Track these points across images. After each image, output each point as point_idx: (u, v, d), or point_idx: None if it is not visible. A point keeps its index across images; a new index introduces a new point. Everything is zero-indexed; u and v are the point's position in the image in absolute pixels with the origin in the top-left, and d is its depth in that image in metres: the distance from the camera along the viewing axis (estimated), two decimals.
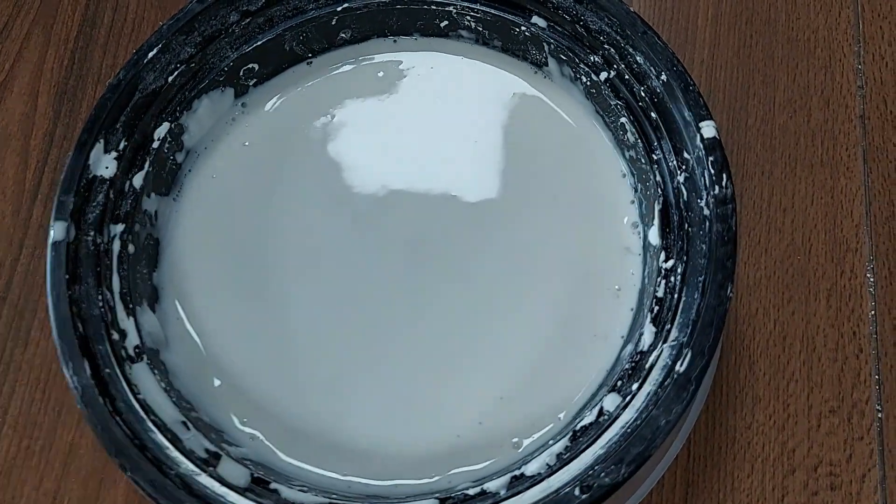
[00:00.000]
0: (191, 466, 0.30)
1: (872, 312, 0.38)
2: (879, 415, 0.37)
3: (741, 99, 0.42)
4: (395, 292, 0.35)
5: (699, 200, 0.32)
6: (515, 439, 0.33)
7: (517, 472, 0.30)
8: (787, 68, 0.43)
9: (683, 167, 0.33)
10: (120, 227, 0.33)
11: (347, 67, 0.39)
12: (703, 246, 0.31)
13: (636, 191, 0.35)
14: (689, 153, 0.33)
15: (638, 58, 0.34)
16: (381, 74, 0.39)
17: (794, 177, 0.41)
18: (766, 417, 0.37)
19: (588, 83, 0.36)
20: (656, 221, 0.33)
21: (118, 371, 0.31)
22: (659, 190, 0.33)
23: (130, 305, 0.33)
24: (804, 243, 0.39)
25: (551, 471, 0.29)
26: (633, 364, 0.31)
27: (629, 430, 0.29)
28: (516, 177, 0.37)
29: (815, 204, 0.40)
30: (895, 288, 0.39)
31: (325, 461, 0.33)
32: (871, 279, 0.39)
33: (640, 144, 0.34)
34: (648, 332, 0.31)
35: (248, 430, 0.33)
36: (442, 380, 0.34)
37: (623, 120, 0.35)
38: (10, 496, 0.37)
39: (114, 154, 0.34)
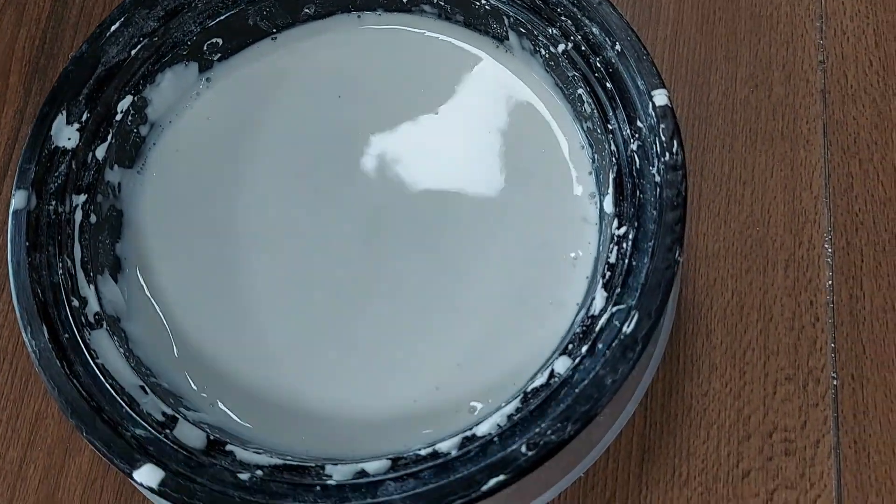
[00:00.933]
0: (147, 429, 0.30)
1: (830, 282, 0.39)
2: (835, 382, 0.37)
3: (703, 74, 0.43)
4: (355, 262, 0.35)
5: (651, 168, 0.32)
6: (472, 404, 0.33)
7: (468, 434, 0.30)
8: (750, 44, 0.43)
9: (637, 136, 0.33)
10: (82, 198, 0.34)
11: (312, 43, 0.39)
12: (654, 212, 0.32)
13: (593, 161, 0.36)
14: (642, 122, 0.33)
15: (594, 29, 0.35)
16: (345, 49, 0.39)
17: (754, 150, 0.41)
18: (722, 385, 0.37)
19: (547, 56, 0.36)
20: (611, 190, 0.34)
21: (77, 336, 0.31)
22: (614, 159, 0.34)
23: (91, 274, 0.33)
24: (763, 215, 0.40)
25: (501, 431, 0.30)
26: (585, 328, 0.31)
27: (576, 391, 0.30)
28: (476, 149, 0.37)
29: (774, 176, 0.41)
30: (853, 258, 0.39)
31: (283, 427, 0.33)
32: (829, 250, 0.39)
33: (597, 115, 0.34)
34: (600, 296, 0.32)
35: (207, 397, 0.34)
36: (400, 347, 0.34)
37: (580, 91, 0.35)
38: None
39: (76, 126, 0.34)
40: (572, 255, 0.35)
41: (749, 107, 0.42)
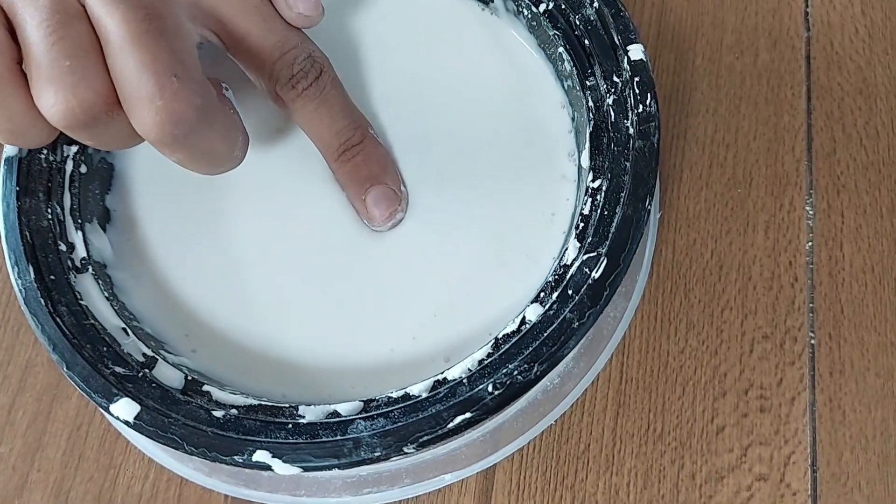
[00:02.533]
0: (127, 367, 0.31)
1: (810, 244, 0.39)
2: (812, 341, 0.38)
3: (689, 40, 0.43)
4: (337, 216, 0.36)
5: (625, 121, 0.33)
6: (447, 355, 0.34)
7: (440, 378, 0.31)
8: (736, 11, 0.44)
9: (612, 90, 0.34)
10: (74, 149, 0.35)
11: None
12: (627, 163, 0.32)
13: (573, 120, 0.36)
14: (618, 76, 0.34)
15: None
16: (339, 11, 0.40)
17: (738, 114, 0.41)
18: (700, 343, 0.38)
19: (529, 16, 0.37)
20: (587, 146, 0.34)
21: (63, 278, 0.32)
22: (591, 115, 0.34)
23: (80, 221, 0.34)
24: (745, 177, 0.40)
25: (471, 374, 0.31)
26: (557, 277, 0.32)
27: (544, 334, 0.30)
28: (461, 109, 0.38)
29: (757, 140, 0.41)
30: (833, 220, 0.39)
31: (262, 374, 0.34)
32: (810, 212, 0.40)
33: (576, 72, 0.35)
34: (572, 247, 0.32)
35: (189, 343, 0.34)
36: (378, 298, 0.35)
37: (560, 49, 0.36)
38: None
39: None
40: (551, 212, 0.35)
41: (734, 72, 0.42)
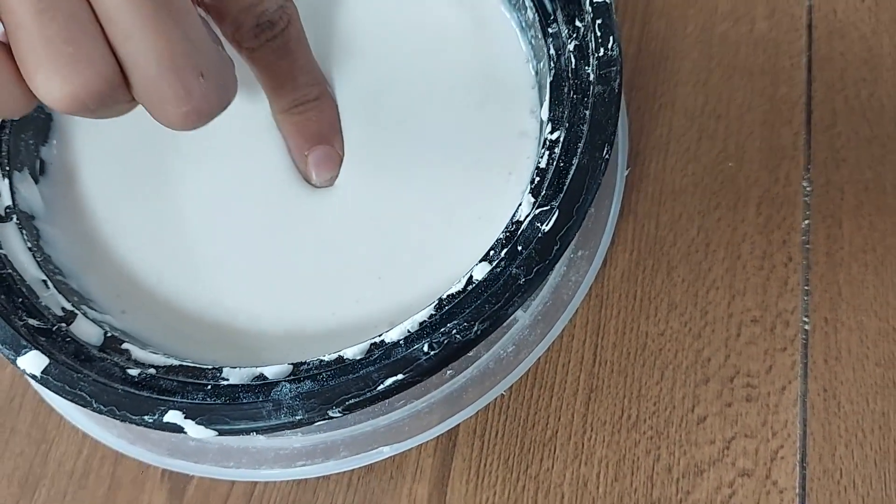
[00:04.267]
0: (42, 321, 0.29)
1: (806, 221, 0.36)
2: (806, 326, 0.34)
3: (681, 7, 0.40)
4: (282, 176, 0.34)
5: (586, 67, 0.30)
6: (392, 320, 0.31)
7: (377, 340, 0.28)
8: None
9: (574, 35, 0.31)
10: None
11: None
12: (586, 111, 0.29)
13: (536, 75, 0.34)
14: (580, 20, 0.31)
15: None
16: None
17: (730, 85, 0.38)
18: (682, 325, 0.35)
19: None
20: (547, 96, 0.31)
21: None
22: (552, 63, 0.32)
23: (7, 168, 0.32)
24: (737, 150, 0.37)
25: (409, 335, 0.28)
26: (508, 234, 0.29)
27: (488, 292, 0.27)
28: (418, 63, 0.35)
29: (752, 111, 0.38)
30: (832, 196, 0.36)
31: (194, 338, 0.32)
32: (808, 187, 0.36)
33: (538, 19, 0.32)
34: (526, 202, 0.29)
35: (120, 305, 0.32)
36: (321, 258, 0.33)
37: None
38: None
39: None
40: (509, 172, 0.33)
41: (728, 41, 0.39)
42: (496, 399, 0.33)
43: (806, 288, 0.35)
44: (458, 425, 0.33)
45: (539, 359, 0.33)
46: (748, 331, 0.34)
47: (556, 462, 0.33)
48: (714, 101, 0.38)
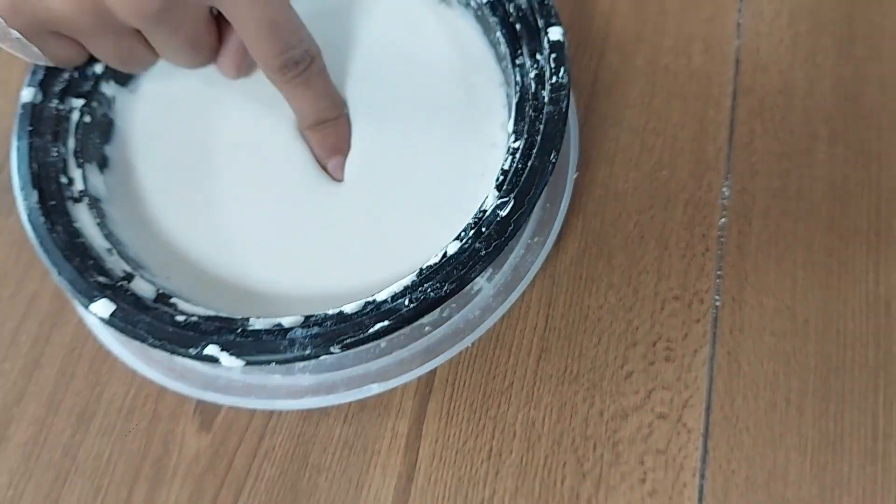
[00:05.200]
0: (108, 278, 0.37)
1: (723, 220, 0.44)
2: (717, 303, 0.42)
3: (633, 44, 0.49)
4: (301, 172, 0.42)
5: (542, 91, 0.38)
6: (384, 288, 0.39)
7: (370, 299, 0.36)
8: (676, 20, 0.49)
9: (535, 66, 0.39)
10: (80, 102, 0.41)
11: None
12: (540, 125, 0.38)
13: (508, 97, 0.42)
14: (540, 54, 0.39)
15: None
16: (318, 6, 0.46)
17: (669, 107, 0.47)
18: (618, 300, 0.43)
19: (475, 6, 0.43)
20: (513, 113, 0.40)
21: (61, 204, 0.38)
22: (517, 88, 0.40)
23: (80, 161, 0.40)
24: (670, 161, 0.45)
25: (395, 295, 0.36)
26: (476, 220, 0.37)
27: (456, 261, 0.35)
28: (415, 85, 0.44)
29: (685, 130, 0.46)
30: (745, 200, 0.44)
31: (227, 300, 0.39)
32: (726, 193, 0.44)
33: (509, 53, 0.41)
34: (492, 195, 0.37)
35: (166, 272, 0.40)
36: (331, 238, 0.40)
37: (498, 34, 0.41)
38: None
39: None
40: (481, 174, 0.41)
41: (669, 72, 0.48)
42: (465, 355, 0.42)
43: (718, 273, 0.43)
44: (434, 375, 0.41)
45: (500, 322, 0.41)
46: (670, 306, 0.42)
47: (511, 406, 0.41)
48: (655, 120, 0.46)
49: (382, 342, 0.38)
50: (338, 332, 0.35)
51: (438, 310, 0.39)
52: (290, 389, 0.38)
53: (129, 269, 0.38)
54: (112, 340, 0.40)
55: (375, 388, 0.38)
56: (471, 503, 0.39)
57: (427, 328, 0.39)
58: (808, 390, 0.40)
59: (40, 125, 0.40)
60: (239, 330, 0.36)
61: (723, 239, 0.43)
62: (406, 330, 0.38)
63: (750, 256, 0.43)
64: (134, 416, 0.42)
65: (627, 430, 0.40)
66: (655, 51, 0.48)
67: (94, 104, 0.42)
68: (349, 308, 0.36)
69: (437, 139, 0.42)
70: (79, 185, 0.40)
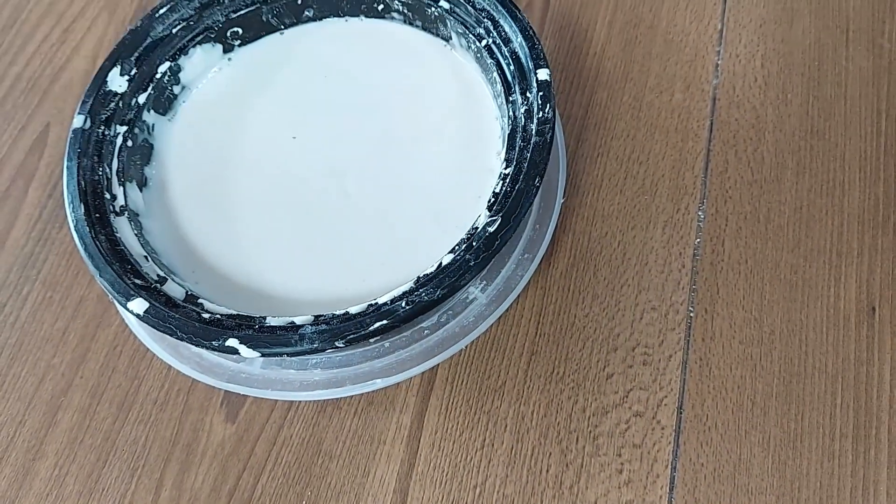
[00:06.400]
0: (143, 281, 0.42)
1: (698, 240, 0.49)
2: (691, 314, 0.47)
3: (620, 82, 0.54)
4: (317, 189, 0.47)
5: (531, 124, 0.44)
6: (385, 293, 0.44)
7: (373, 302, 0.41)
8: (661, 61, 0.54)
9: (525, 102, 0.44)
10: (123, 128, 0.47)
11: (309, 37, 0.52)
12: (527, 154, 0.43)
13: (502, 129, 0.47)
14: (530, 93, 0.44)
15: (505, 27, 0.46)
16: (334, 44, 0.52)
17: (651, 139, 0.52)
18: (601, 310, 0.47)
19: (475, 49, 0.48)
20: (506, 143, 0.45)
21: (105, 217, 0.44)
22: (510, 121, 0.45)
23: (122, 180, 0.46)
24: (651, 187, 0.50)
25: (394, 298, 0.41)
26: (469, 235, 0.42)
27: (449, 270, 0.40)
28: (422, 118, 0.49)
29: (665, 159, 0.51)
30: (719, 223, 0.49)
31: (248, 302, 0.45)
32: (701, 216, 0.49)
33: (503, 90, 0.46)
34: (484, 215, 0.42)
35: (194, 278, 0.45)
36: (341, 248, 0.46)
37: (495, 74, 0.47)
38: (35, 328, 0.50)
39: (126, 77, 0.48)
40: (478, 195, 0.46)
41: (653, 108, 0.53)
42: (463, 357, 0.46)
43: (693, 287, 0.47)
44: (435, 375, 0.46)
45: (495, 328, 0.46)
46: (648, 316, 0.47)
47: (503, 402, 0.46)
48: (638, 151, 0.51)
49: (386, 342, 0.43)
50: (342, 328, 0.39)
51: (437, 316, 0.44)
52: (303, 383, 0.43)
53: (161, 273, 0.43)
54: (149, 338, 0.45)
55: (379, 383, 0.43)
56: (465, 487, 0.44)
57: (426, 332, 0.44)
58: (771, 393, 0.45)
59: (88, 148, 0.45)
60: (256, 326, 0.41)
61: (697, 257, 0.48)
62: (407, 333, 0.43)
63: (721, 273, 0.48)
64: (167, 406, 0.47)
65: (607, 425, 0.45)
66: (640, 88, 0.54)
67: (136, 130, 0.47)
68: (353, 310, 0.41)
69: (441, 164, 0.47)
70: (120, 201, 0.45)
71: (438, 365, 0.46)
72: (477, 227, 0.42)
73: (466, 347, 0.46)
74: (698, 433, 0.44)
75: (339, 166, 0.48)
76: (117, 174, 0.46)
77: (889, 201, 0.48)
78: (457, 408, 0.46)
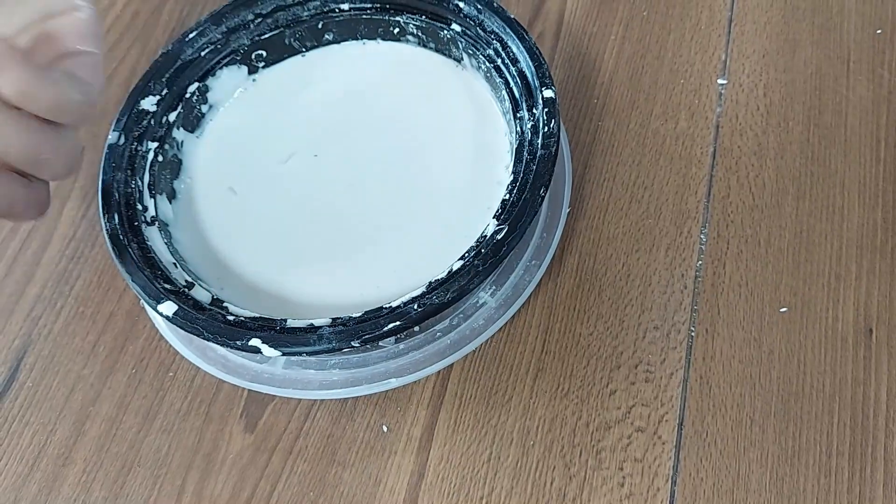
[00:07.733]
0: (172, 286, 0.44)
1: (700, 262, 0.50)
2: (692, 333, 0.48)
3: (627, 110, 0.56)
4: (337, 202, 0.50)
5: (537, 139, 0.46)
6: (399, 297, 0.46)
7: (387, 306, 0.43)
8: (666, 90, 0.56)
9: (532, 119, 0.47)
10: (154, 144, 0.50)
11: (329, 60, 0.55)
12: (533, 166, 0.45)
13: (511, 144, 0.49)
14: (536, 109, 0.47)
15: (513, 48, 0.49)
16: (352, 66, 0.54)
17: (656, 165, 0.54)
18: (605, 329, 0.49)
19: (485, 69, 0.51)
20: (513, 157, 0.47)
21: (137, 226, 0.46)
22: (518, 136, 0.47)
23: (153, 193, 0.48)
24: (655, 211, 0.52)
25: (407, 302, 0.43)
26: (478, 243, 0.44)
27: (459, 275, 0.42)
28: (436, 134, 0.52)
29: (669, 184, 0.53)
30: (720, 246, 0.51)
31: (270, 308, 0.47)
32: (703, 238, 0.51)
33: (512, 108, 0.48)
34: (492, 224, 0.44)
35: (219, 284, 0.48)
36: (358, 257, 0.48)
37: (503, 93, 0.49)
38: (67, 341, 0.52)
39: (157, 97, 0.50)
40: (487, 206, 0.48)
41: (658, 135, 0.55)
42: (471, 372, 0.48)
43: (694, 307, 0.49)
44: (445, 389, 0.48)
45: (502, 345, 0.48)
46: (651, 335, 0.49)
47: (510, 417, 0.47)
48: (643, 176, 0.53)
49: (401, 344, 0.45)
50: (357, 329, 0.42)
51: (449, 319, 0.46)
52: (323, 382, 0.45)
53: (189, 279, 0.46)
54: (177, 341, 0.48)
55: (394, 383, 0.45)
56: (472, 499, 0.45)
57: (438, 334, 0.46)
58: (770, 411, 0.46)
59: (122, 162, 0.48)
60: (278, 327, 0.43)
61: (699, 278, 0.50)
62: (421, 335, 0.45)
63: (722, 294, 0.49)
64: (190, 416, 0.49)
65: (610, 440, 0.46)
66: (646, 116, 0.56)
67: (167, 146, 0.50)
68: (369, 312, 0.43)
69: (452, 178, 0.49)
70: (151, 212, 0.48)
71: (448, 380, 0.48)
72: (485, 235, 0.44)
73: (475, 362, 0.48)
74: (698, 449, 0.45)
75: (357, 180, 0.50)
76: (148, 187, 0.48)
77: (887, 226, 0.50)
78: (465, 422, 0.47)
